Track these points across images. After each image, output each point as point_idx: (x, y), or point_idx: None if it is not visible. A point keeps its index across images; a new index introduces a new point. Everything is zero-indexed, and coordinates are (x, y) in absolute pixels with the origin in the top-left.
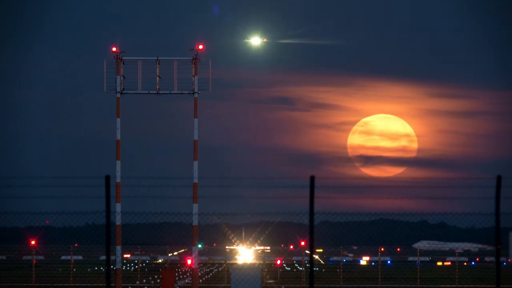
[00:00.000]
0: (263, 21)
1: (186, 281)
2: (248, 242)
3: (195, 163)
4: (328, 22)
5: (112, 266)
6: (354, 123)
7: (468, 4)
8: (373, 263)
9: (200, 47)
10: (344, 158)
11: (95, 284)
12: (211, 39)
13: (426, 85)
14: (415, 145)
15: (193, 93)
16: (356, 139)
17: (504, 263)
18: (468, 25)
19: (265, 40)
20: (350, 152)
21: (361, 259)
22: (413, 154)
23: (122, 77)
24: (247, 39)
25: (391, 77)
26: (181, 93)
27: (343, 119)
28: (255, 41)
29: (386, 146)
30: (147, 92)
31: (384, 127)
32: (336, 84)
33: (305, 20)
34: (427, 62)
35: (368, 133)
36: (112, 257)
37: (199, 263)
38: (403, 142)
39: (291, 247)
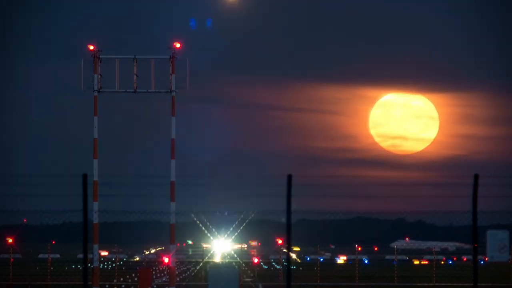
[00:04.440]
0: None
1: (164, 279)
2: (224, 240)
3: (173, 162)
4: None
5: (89, 264)
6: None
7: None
8: (350, 262)
9: (177, 45)
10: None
11: (72, 282)
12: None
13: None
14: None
15: (171, 92)
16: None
17: (482, 262)
18: (405, 23)
19: None
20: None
21: (338, 257)
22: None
23: (99, 76)
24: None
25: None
26: (159, 92)
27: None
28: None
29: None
30: (124, 90)
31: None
32: (268, 84)
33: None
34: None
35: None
36: (89, 255)
37: (176, 262)
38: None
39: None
